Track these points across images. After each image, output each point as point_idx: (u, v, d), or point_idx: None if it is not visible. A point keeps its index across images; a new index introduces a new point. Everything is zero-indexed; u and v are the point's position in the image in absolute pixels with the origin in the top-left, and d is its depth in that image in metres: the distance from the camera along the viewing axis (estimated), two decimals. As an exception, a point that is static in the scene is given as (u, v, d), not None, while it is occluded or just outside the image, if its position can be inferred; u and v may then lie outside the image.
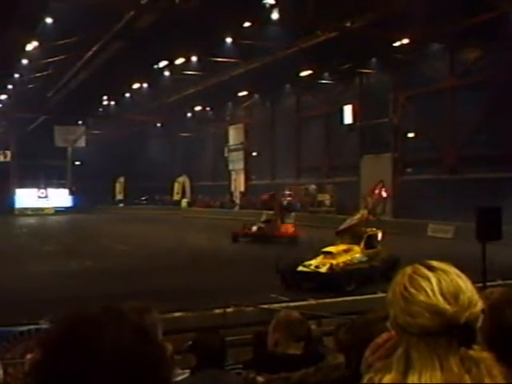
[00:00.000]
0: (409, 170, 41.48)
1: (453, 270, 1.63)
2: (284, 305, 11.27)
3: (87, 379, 1.25)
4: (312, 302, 11.42)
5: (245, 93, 54.28)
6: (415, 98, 40.80)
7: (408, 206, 37.63)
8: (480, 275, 10.37)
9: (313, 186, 49.42)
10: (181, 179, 66.65)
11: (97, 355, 1.26)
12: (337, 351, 4.04)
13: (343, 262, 19.51)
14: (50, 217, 58.62)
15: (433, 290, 1.56)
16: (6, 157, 66.46)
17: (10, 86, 51.02)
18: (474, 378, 1.54)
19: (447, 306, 1.54)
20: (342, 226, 21.96)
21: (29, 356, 7.19)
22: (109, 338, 1.28)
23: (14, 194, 62.64)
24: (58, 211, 61.82)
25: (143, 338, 1.32)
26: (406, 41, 34.24)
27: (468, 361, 1.56)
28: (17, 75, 46.68)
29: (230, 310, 10.76)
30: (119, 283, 18.74)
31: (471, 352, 1.57)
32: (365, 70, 44.70)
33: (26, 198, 63.14)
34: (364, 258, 20.36)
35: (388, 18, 30.92)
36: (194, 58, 42.50)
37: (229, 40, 38.01)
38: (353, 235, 21.15)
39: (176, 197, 65.98)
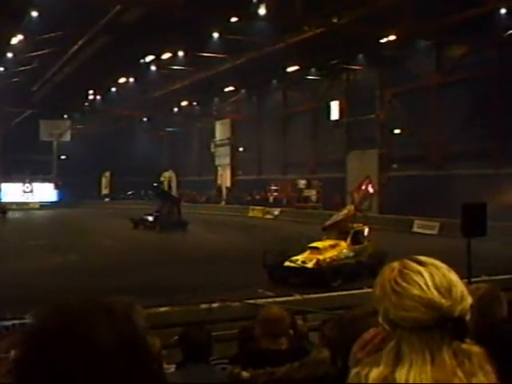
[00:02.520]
0: (395, 166, 41.62)
1: (443, 265, 1.63)
2: (270, 300, 11.25)
3: (68, 373, 1.24)
4: (298, 297, 11.42)
5: (231, 88, 54.26)
6: (402, 95, 40.96)
7: (394, 202, 37.79)
8: (465, 271, 10.42)
9: (303, 181, 49.48)
10: (167, 174, 66.20)
11: (76, 348, 1.25)
12: (322, 346, 4.05)
13: (330, 258, 19.58)
14: (35, 211, 58.32)
15: (426, 284, 1.56)
16: (-11, 151, 65.94)
17: (-6, 80, 50.62)
18: (467, 371, 1.55)
19: (442, 300, 1.54)
20: (329, 222, 22.03)
21: (13, 352, 7.14)
22: (87, 333, 1.27)
23: (-1, 188, 62.23)
24: (44, 206, 61.45)
25: (126, 335, 1.31)
26: (392, 37, 34.30)
27: (461, 354, 1.56)
28: (1, 69, 46.34)
29: (215, 305, 10.74)
30: (104, 278, 18.70)
31: (464, 345, 1.57)
32: (352, 67, 44.80)
33: (10, 192, 62.72)
34: (351, 254, 20.45)
35: (375, 15, 30.96)
36: (180, 53, 42.41)
37: (216, 35, 37.92)
38: (339, 231, 21.22)
39: (162, 191, 65.70)
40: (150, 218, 38.81)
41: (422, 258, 1.63)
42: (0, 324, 8.95)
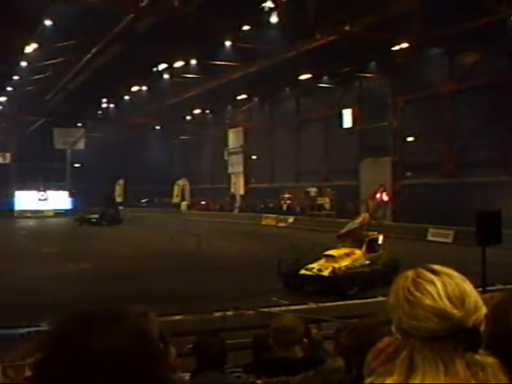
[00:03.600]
0: (408, 173, 41.46)
1: (456, 274, 1.62)
2: (284, 308, 11.25)
3: (78, 381, 1.26)
4: (312, 305, 11.41)
5: (244, 96, 54.35)
6: (414, 102, 40.83)
7: (407, 210, 37.63)
8: (480, 279, 10.36)
9: (314, 189, 49.42)
10: (180, 182, 66.68)
11: (88, 357, 1.27)
12: (337, 355, 4.04)
13: (345, 266, 19.50)
14: (49, 219, 58.55)
15: (439, 294, 1.55)
16: (5, 159, 66.44)
17: (9, 88, 51.04)
18: (481, 382, 1.54)
19: (454, 311, 1.53)
20: (344, 230, 21.94)
21: (29, 360, 7.18)
22: (101, 339, 1.29)
23: (13, 196, 62.57)
24: (58, 213, 61.72)
25: (140, 342, 1.32)
26: (405, 45, 34.21)
27: (474, 365, 1.54)
28: (16, 77, 46.70)
29: (229, 313, 10.75)
30: (119, 286, 18.74)
31: (477, 356, 1.56)
32: (364, 74, 44.73)
33: (25, 200, 63.09)
34: (366, 262, 20.36)
35: (387, 22, 30.94)
36: (193, 61, 42.56)
37: (228, 43, 38.04)
38: (354, 239, 21.13)
39: (175, 199, 65.97)
40: (96, 217, 50.03)
41: (436, 267, 1.63)
42: (16, 331, 9.03)
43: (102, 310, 1.36)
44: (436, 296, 1.55)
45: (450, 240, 33.56)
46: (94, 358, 1.26)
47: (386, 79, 42.83)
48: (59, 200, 65.55)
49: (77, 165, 67.08)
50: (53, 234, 43.64)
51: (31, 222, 53.84)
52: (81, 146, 67.31)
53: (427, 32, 31.63)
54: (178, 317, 10.61)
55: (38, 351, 1.35)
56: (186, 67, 43.21)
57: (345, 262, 19.71)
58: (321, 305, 11.58)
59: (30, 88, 51.30)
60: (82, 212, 53.24)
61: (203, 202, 62.42)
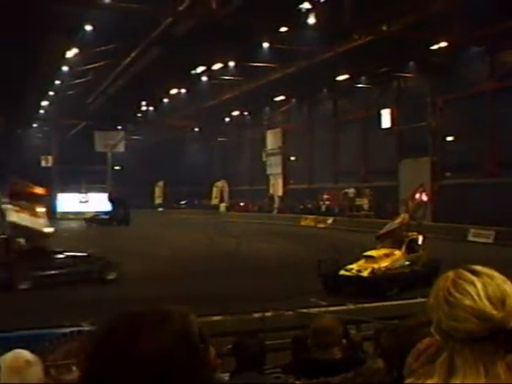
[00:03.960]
0: (448, 173, 40.97)
1: (497, 275, 1.60)
2: (323, 309, 11.22)
3: (125, 382, 1.28)
4: (351, 306, 11.35)
5: (282, 97, 54.38)
6: (454, 101, 40.32)
7: (447, 210, 37.19)
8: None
9: (352, 190, 49.20)
10: (219, 183, 66.95)
11: (134, 359, 1.29)
12: (376, 356, 4.02)
13: (385, 267, 19.36)
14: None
15: (479, 295, 1.54)
16: (47, 162, 67.48)
17: (51, 93, 51.90)
18: None
19: (494, 311, 1.51)
20: (383, 230, 21.78)
21: (71, 360, 7.29)
22: (148, 340, 1.31)
23: (55, 198, 63.52)
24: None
25: (184, 343, 1.34)
26: (443, 44, 33.87)
27: None
28: (58, 82, 47.48)
29: (268, 314, 10.76)
30: (158, 287, 18.87)
31: None
32: (402, 74, 44.37)
33: (67, 202, 64.03)
34: (405, 263, 20.17)
35: (425, 21, 30.66)
36: (231, 63, 42.73)
37: (266, 45, 38.14)
38: (394, 239, 20.95)
39: (214, 201, 66.26)
40: (106, 217, 51.92)
41: (477, 268, 1.62)
42: (58, 331, 9.16)
43: (147, 311, 1.38)
44: (476, 297, 1.53)
45: (490, 240, 33.08)
46: (140, 358, 1.29)
47: (425, 79, 42.38)
48: (100, 202, 66.33)
49: (117, 167, 67.88)
50: (93, 236, 44.13)
51: (73, 224, 54.54)
52: (121, 148, 68.10)
53: (467, 31, 31.30)
54: (217, 317, 10.65)
55: (85, 351, 1.38)
56: (224, 69, 43.42)
57: (384, 263, 19.56)
58: (360, 306, 11.51)
59: (71, 92, 52.13)
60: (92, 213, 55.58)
61: (242, 204, 62.57)
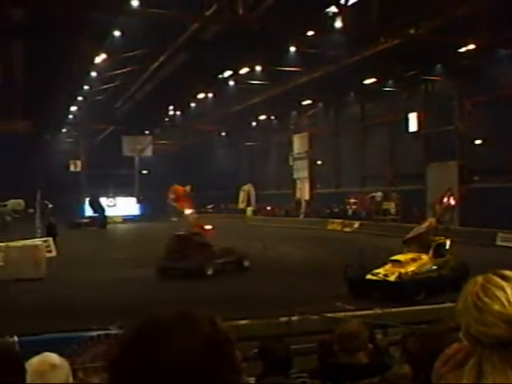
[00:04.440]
0: (476, 177, 40.56)
1: None
2: (349, 313, 11.17)
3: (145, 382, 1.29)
4: (378, 311, 11.28)
5: (309, 101, 54.33)
6: (482, 105, 39.91)
7: (475, 214, 36.80)
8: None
9: (379, 194, 48.99)
10: (246, 187, 67.03)
11: (161, 363, 1.29)
12: (403, 361, 4.00)
13: (412, 271, 19.21)
14: (118, 225, 59.72)
15: (508, 300, 1.52)
16: (76, 166, 68.21)
17: (80, 98, 52.44)
18: None
19: None
20: (410, 235, 21.63)
21: (98, 363, 7.34)
22: (176, 344, 1.31)
23: (83, 202, 64.13)
24: (126, 219, 62.92)
25: (212, 345, 1.34)
26: (471, 46, 33.56)
27: None
28: (86, 87, 47.97)
29: (294, 318, 10.74)
30: (186, 290, 18.96)
31: None
32: (430, 77, 44.06)
33: (95, 206, 64.56)
34: (433, 267, 20.00)
35: (453, 24, 30.41)
36: (258, 68, 42.78)
37: (292, 49, 38.12)
38: (421, 244, 20.78)
39: (241, 205, 66.33)
40: (86, 221, 53.70)
41: (506, 273, 1.60)
42: (86, 334, 9.25)
43: (175, 315, 1.38)
44: (505, 302, 1.52)
45: (520, 245, 32.70)
46: (167, 362, 1.29)
47: (453, 82, 42.03)
48: (127, 206, 66.86)
49: (144, 172, 68.33)
50: (122, 239, 44.52)
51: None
52: (148, 153, 68.54)
53: (494, 33, 30.96)
54: (243, 321, 10.66)
55: (114, 354, 1.38)
56: (251, 74, 43.47)
57: (411, 267, 19.41)
58: (386, 310, 11.44)
59: (99, 97, 52.59)
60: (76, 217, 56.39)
61: (269, 208, 62.56)
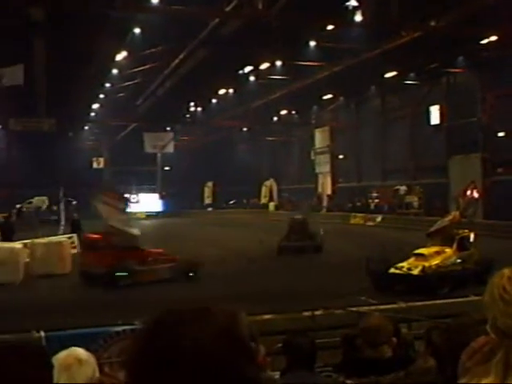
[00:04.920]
0: (500, 170, 40.19)
1: None
2: (373, 307, 11.14)
3: (167, 381, 1.30)
4: (402, 304, 11.24)
5: (330, 96, 54.14)
6: (505, 97, 39.49)
7: (499, 207, 36.47)
8: None
9: (403, 187, 48.76)
10: (268, 183, 66.98)
11: (176, 356, 1.30)
12: (427, 355, 3.99)
13: (436, 264, 19.08)
14: (141, 221, 59.95)
15: None
16: (99, 163, 68.67)
17: (101, 96, 52.73)
18: None
19: None
20: (434, 228, 21.49)
21: (124, 358, 7.38)
22: (190, 338, 1.31)
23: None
24: (149, 215, 63.20)
25: (229, 341, 1.34)
26: (493, 38, 33.21)
27: None
28: (108, 85, 48.23)
29: (318, 312, 10.74)
30: (210, 286, 19.01)
31: None
32: (451, 70, 43.72)
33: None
34: (457, 261, 19.85)
35: (474, 15, 30.11)
36: (278, 63, 42.68)
37: (312, 43, 38.00)
38: (444, 237, 20.63)
39: (263, 200, 66.31)
40: (55, 218, 49.11)
41: (533, 266, 1.60)
42: (111, 329, 9.33)
43: (189, 309, 1.39)
44: None
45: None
46: (182, 357, 1.29)
47: (475, 74, 41.66)
48: (150, 202, 67.14)
49: (167, 168, 68.59)
50: (144, 235, 44.64)
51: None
52: (170, 149, 68.75)
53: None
54: (267, 316, 10.68)
55: (128, 350, 1.40)
56: (272, 69, 43.38)
57: (435, 261, 19.28)
58: (410, 304, 11.39)
59: (120, 95, 52.84)
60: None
61: (290, 202, 62.48)
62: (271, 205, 64.73)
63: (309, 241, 29.59)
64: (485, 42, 34.42)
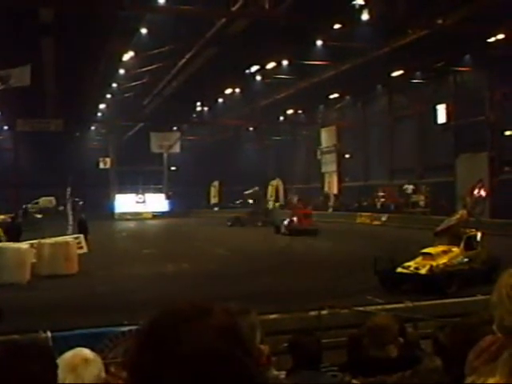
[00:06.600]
0: (507, 168, 40.06)
1: None
2: (379, 307, 11.11)
3: (168, 380, 1.28)
4: (408, 304, 11.20)
5: (336, 95, 54.16)
6: (513, 95, 39.41)
7: (506, 206, 36.33)
8: None
9: (410, 187, 48.68)
10: (274, 182, 66.85)
11: (176, 355, 1.29)
12: (434, 354, 3.97)
13: (443, 264, 19.02)
14: (147, 221, 60.11)
15: None
16: (105, 164, 68.75)
17: (108, 96, 52.87)
18: None
19: None
20: (441, 227, 21.43)
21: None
22: (190, 338, 1.30)
23: (113, 199, 64.69)
24: (156, 215, 63.32)
25: (229, 341, 1.33)
26: (501, 36, 33.13)
27: None
28: (114, 85, 48.35)
29: (324, 312, 10.71)
30: (215, 286, 19.00)
31: None
32: (458, 68, 43.61)
33: (124, 203, 65.09)
34: (464, 260, 19.78)
35: (481, 13, 30.03)
36: (284, 62, 42.70)
37: (319, 42, 37.98)
38: (452, 236, 20.56)
39: (270, 199, 66.22)
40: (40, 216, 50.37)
41: (541, 265, 1.58)
42: (117, 330, 9.33)
43: (188, 308, 1.37)
44: None
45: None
46: (181, 355, 1.28)
47: (482, 72, 41.56)
48: (156, 202, 67.25)
49: (173, 168, 68.67)
50: (151, 235, 44.83)
51: (131, 224, 55.44)
52: (176, 149, 68.84)
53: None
54: (273, 315, 10.66)
55: (129, 350, 1.39)
56: (278, 68, 43.42)
57: (442, 260, 19.22)
58: (417, 303, 11.35)
59: (127, 95, 52.95)
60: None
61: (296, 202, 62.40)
62: (277, 205, 64.62)
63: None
64: (492, 40, 34.35)
